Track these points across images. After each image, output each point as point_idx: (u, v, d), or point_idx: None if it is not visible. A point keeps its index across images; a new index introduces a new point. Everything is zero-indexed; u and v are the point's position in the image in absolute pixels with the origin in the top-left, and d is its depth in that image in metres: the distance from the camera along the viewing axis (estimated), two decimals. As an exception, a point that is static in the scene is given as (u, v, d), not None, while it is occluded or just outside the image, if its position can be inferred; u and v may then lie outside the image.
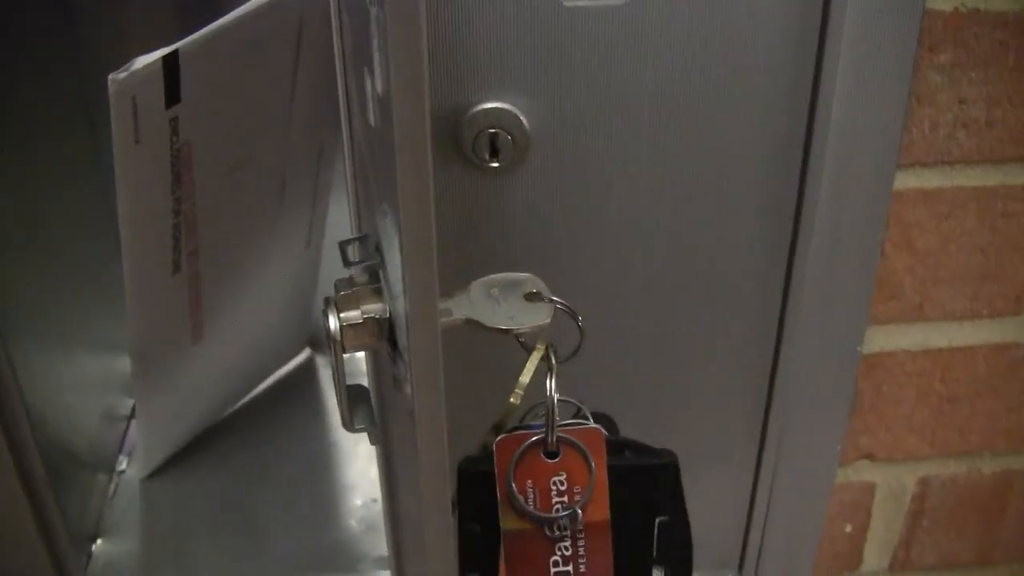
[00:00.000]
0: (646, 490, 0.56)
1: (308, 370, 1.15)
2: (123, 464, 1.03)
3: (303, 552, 0.91)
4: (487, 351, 0.69)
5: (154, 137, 0.72)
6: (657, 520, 0.57)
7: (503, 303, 0.52)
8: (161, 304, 0.84)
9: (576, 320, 0.54)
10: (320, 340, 1.13)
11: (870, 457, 0.90)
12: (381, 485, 0.78)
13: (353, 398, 0.55)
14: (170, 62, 0.69)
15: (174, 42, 0.70)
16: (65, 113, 1.00)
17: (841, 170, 0.69)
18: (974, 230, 0.81)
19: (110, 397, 1.07)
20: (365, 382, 0.70)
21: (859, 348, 0.76)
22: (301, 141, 0.85)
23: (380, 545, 0.88)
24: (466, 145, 0.64)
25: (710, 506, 0.82)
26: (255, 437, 1.06)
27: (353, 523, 0.94)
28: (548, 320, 0.52)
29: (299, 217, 0.97)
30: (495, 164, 0.65)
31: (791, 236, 0.73)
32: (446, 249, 0.66)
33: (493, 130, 0.64)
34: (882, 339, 0.84)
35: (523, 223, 0.68)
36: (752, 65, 0.65)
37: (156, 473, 1.01)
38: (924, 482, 0.92)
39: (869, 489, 0.92)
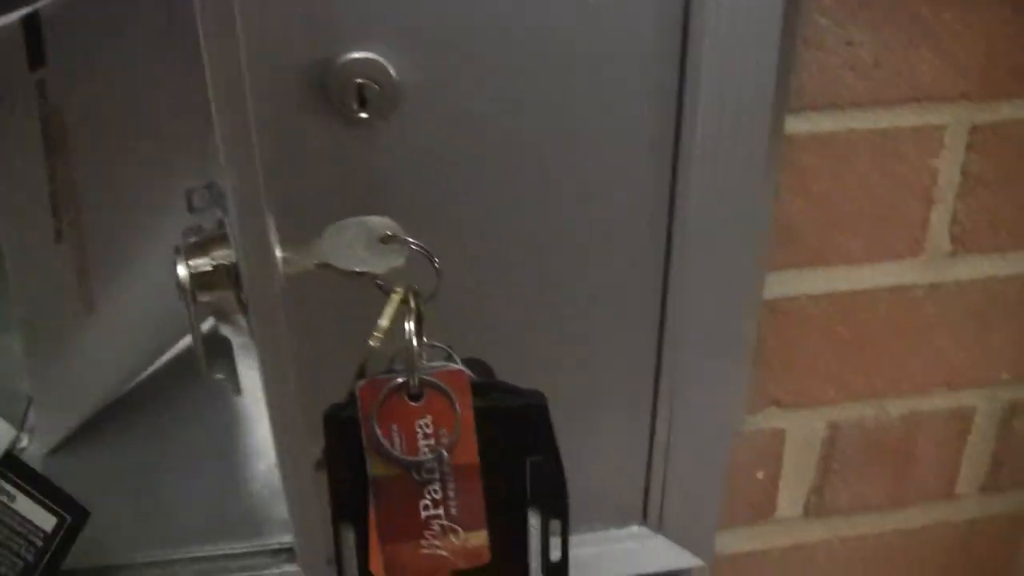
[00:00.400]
0: (514, 431, 0.56)
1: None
2: (24, 441, 1.01)
3: (210, 520, 0.90)
4: (360, 301, 0.69)
5: (20, 101, 0.71)
6: (528, 461, 0.56)
7: (358, 247, 0.52)
8: (46, 274, 0.82)
9: (432, 261, 0.53)
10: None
11: (778, 404, 0.90)
12: (275, 448, 0.77)
13: (213, 348, 0.54)
14: (31, 23, 0.68)
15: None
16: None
17: (717, 112, 0.69)
18: (869, 173, 0.81)
19: (8, 376, 1.05)
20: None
21: (751, 293, 0.76)
22: (186, 104, 0.84)
23: (283, 509, 0.87)
24: (334, 96, 0.64)
25: (609, 459, 0.82)
26: (158, 408, 1.04)
27: (258, 488, 0.94)
28: (402, 261, 0.52)
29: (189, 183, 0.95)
30: (364, 115, 0.64)
31: (670, 179, 0.72)
32: (317, 203, 0.66)
33: (361, 80, 0.63)
34: (783, 285, 0.84)
35: (395, 175, 0.67)
36: (623, 11, 0.65)
37: (59, 448, 1.00)
38: (833, 426, 0.93)
39: (779, 436, 0.92)
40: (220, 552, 0.85)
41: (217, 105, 0.39)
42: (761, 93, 0.69)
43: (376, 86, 0.63)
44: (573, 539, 0.59)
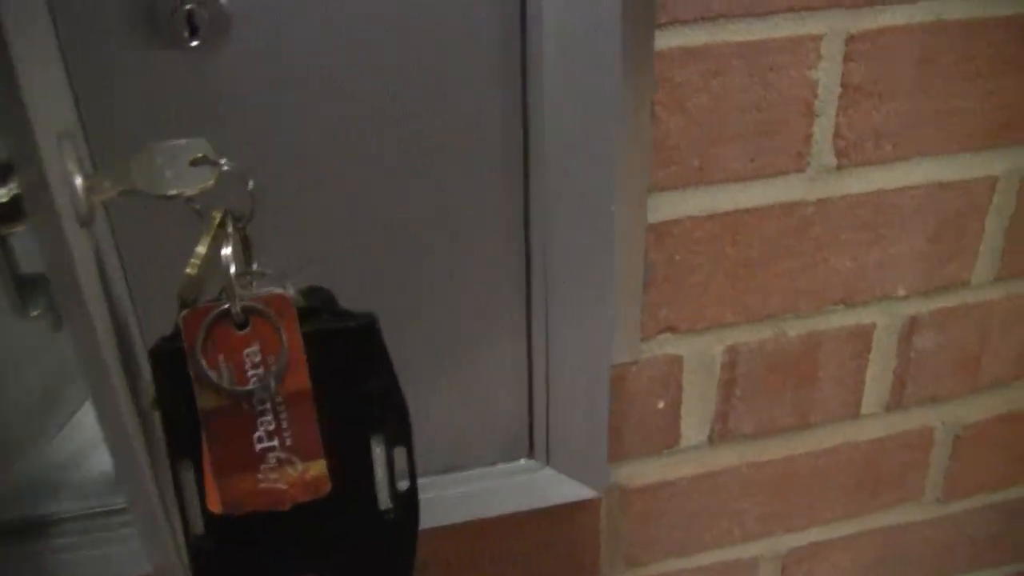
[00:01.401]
0: (346, 355, 0.54)
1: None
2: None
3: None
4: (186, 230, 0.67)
5: None
6: (363, 385, 0.55)
7: (167, 171, 0.50)
8: None
9: (246, 183, 0.51)
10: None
11: (672, 329, 0.89)
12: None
13: (29, 284, 0.52)
14: None
15: None
16: None
17: (575, 29, 0.67)
18: (746, 86, 0.80)
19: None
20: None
21: (612, 209, 0.74)
22: None
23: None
24: (162, 23, 0.61)
25: (489, 392, 0.81)
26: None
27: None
28: (211, 182, 0.49)
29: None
30: (195, 43, 0.62)
31: (521, 94, 0.70)
32: (149, 131, 0.64)
33: (189, 6, 0.61)
34: (666, 207, 0.83)
35: (228, 101, 0.65)
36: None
37: None
38: (732, 350, 0.91)
39: (677, 362, 0.91)
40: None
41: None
42: (638, 10, 0.67)
43: (205, 12, 0.61)
44: (462, 475, 0.58)
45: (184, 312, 0.52)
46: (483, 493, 0.80)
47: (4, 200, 0.48)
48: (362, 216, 0.71)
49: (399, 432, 0.56)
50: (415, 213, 0.71)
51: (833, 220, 0.87)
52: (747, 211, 0.85)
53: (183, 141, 0.51)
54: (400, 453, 0.56)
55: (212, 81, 0.63)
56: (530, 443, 0.83)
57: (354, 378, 0.54)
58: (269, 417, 0.53)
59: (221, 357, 0.52)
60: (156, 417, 0.54)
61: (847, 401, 0.97)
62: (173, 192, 0.49)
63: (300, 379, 0.53)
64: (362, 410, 0.55)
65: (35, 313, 0.52)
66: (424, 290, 0.75)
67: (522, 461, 0.84)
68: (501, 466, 0.83)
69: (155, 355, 0.53)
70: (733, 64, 0.78)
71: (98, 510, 0.78)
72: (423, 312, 0.74)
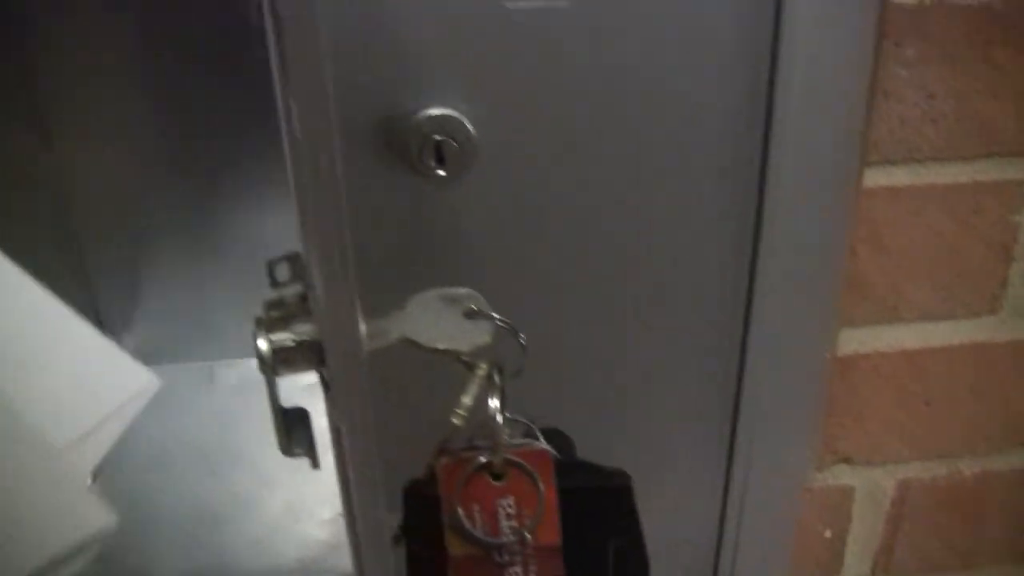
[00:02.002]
0: (599, 513, 0.54)
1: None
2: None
3: (270, 568, 0.89)
4: (437, 368, 0.68)
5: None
6: (611, 543, 0.54)
7: (442, 321, 0.50)
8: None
9: (518, 338, 0.51)
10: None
11: (847, 460, 0.88)
12: (342, 501, 0.76)
13: (291, 422, 0.53)
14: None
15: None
16: (19, 125, 0.98)
17: (801, 169, 0.67)
18: (946, 228, 0.79)
19: (74, 411, 1.05)
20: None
21: (827, 350, 0.74)
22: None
23: (346, 559, 0.86)
24: (412, 153, 0.62)
25: (680, 519, 0.80)
26: (219, 448, 1.04)
27: (321, 537, 0.93)
28: (487, 340, 0.50)
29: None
30: (442, 172, 0.63)
31: (753, 238, 0.71)
32: (395, 258, 0.65)
33: (439, 137, 0.62)
34: (856, 341, 0.82)
35: (471, 231, 0.66)
36: (703, 65, 0.63)
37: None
38: (904, 485, 0.90)
39: (848, 493, 0.90)
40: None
41: (301, 173, 0.37)
42: (846, 148, 0.67)
43: (454, 143, 0.62)
44: None
45: (444, 459, 0.52)
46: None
47: (288, 345, 0.48)
48: (590, 353, 0.72)
49: (638, 588, 0.56)
50: (641, 346, 0.72)
51: (1021, 362, 0.85)
52: (936, 350, 0.84)
53: (457, 291, 0.52)
54: (635, 608, 0.56)
55: (457, 209, 0.64)
56: (715, 571, 0.83)
57: (602, 534, 0.54)
58: (518, 568, 0.53)
59: (476, 506, 0.52)
60: (397, 554, 0.54)
61: (1016, 543, 0.96)
62: (447, 347, 0.49)
63: (551, 534, 0.53)
64: (605, 566, 0.55)
65: (299, 451, 0.52)
66: (636, 415, 0.76)
67: (705, 590, 0.84)
68: (684, 595, 0.83)
69: (409, 496, 0.53)
70: (935, 205, 0.78)
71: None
72: (631, 435, 0.75)
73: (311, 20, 0.33)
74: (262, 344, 0.48)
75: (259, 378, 1.13)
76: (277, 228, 1.09)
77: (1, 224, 0.90)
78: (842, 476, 0.89)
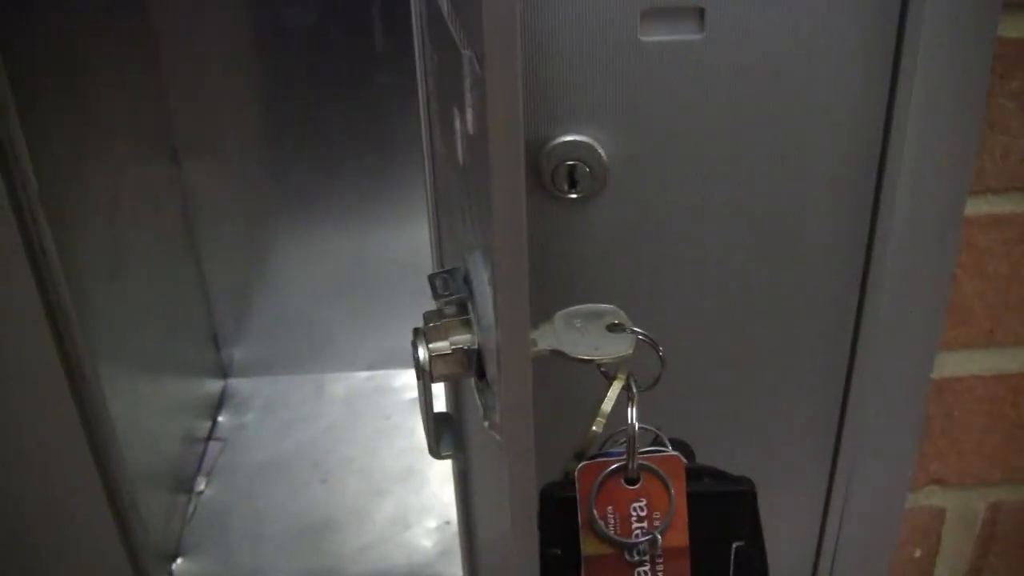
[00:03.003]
0: (724, 516, 0.57)
1: (379, 392, 1.17)
2: (201, 485, 1.06)
3: (378, 573, 0.93)
4: (567, 379, 0.71)
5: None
6: (734, 546, 0.57)
7: (586, 334, 0.54)
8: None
9: (657, 350, 0.55)
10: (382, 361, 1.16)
11: (940, 482, 0.90)
12: (457, 509, 0.79)
13: (439, 425, 0.56)
14: None
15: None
16: (148, 143, 1.03)
17: (914, 197, 0.70)
18: (1045, 256, 0.81)
19: (190, 419, 1.10)
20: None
21: (931, 376, 0.76)
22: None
23: (454, 567, 0.90)
24: (545, 177, 0.66)
25: (781, 531, 0.83)
26: (329, 458, 1.08)
27: (428, 544, 0.96)
28: (631, 351, 0.53)
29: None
30: (573, 196, 0.66)
31: (864, 263, 0.73)
32: (532, 278, 0.68)
33: (571, 162, 0.66)
34: (953, 364, 0.84)
35: (602, 253, 0.69)
36: (825, 96, 0.66)
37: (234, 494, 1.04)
38: (995, 507, 0.92)
39: (939, 514, 0.91)
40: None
41: (498, 204, 0.41)
42: (960, 179, 0.70)
43: (586, 167, 0.66)
44: None
45: (582, 464, 0.55)
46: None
47: (445, 352, 0.52)
48: (709, 368, 0.75)
49: (758, 590, 0.58)
50: (756, 365, 0.75)
51: (1117, 390, 0.87)
52: (1033, 375, 0.85)
53: (602, 307, 0.55)
54: (755, 610, 0.59)
55: (590, 229, 0.68)
56: (812, 583, 0.85)
57: (726, 537, 0.57)
58: (646, 568, 0.56)
59: (610, 508, 0.56)
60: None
61: (1106, 568, 0.96)
62: (592, 357, 0.53)
63: (680, 536, 0.56)
64: (726, 567, 0.58)
65: (447, 454, 0.56)
66: (746, 426, 0.79)
67: (799, 608, 0.86)
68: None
69: (546, 498, 0.57)
70: (1036, 233, 0.80)
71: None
72: (739, 448, 0.78)
73: (513, 55, 0.37)
74: (422, 353, 0.52)
75: (366, 391, 1.19)
76: (386, 248, 1.13)
77: (131, 242, 0.95)
78: (934, 497, 0.91)
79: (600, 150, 0.66)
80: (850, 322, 0.76)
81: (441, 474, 1.02)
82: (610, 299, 0.57)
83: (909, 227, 0.72)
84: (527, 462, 0.47)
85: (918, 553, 0.93)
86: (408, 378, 1.07)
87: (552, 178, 0.66)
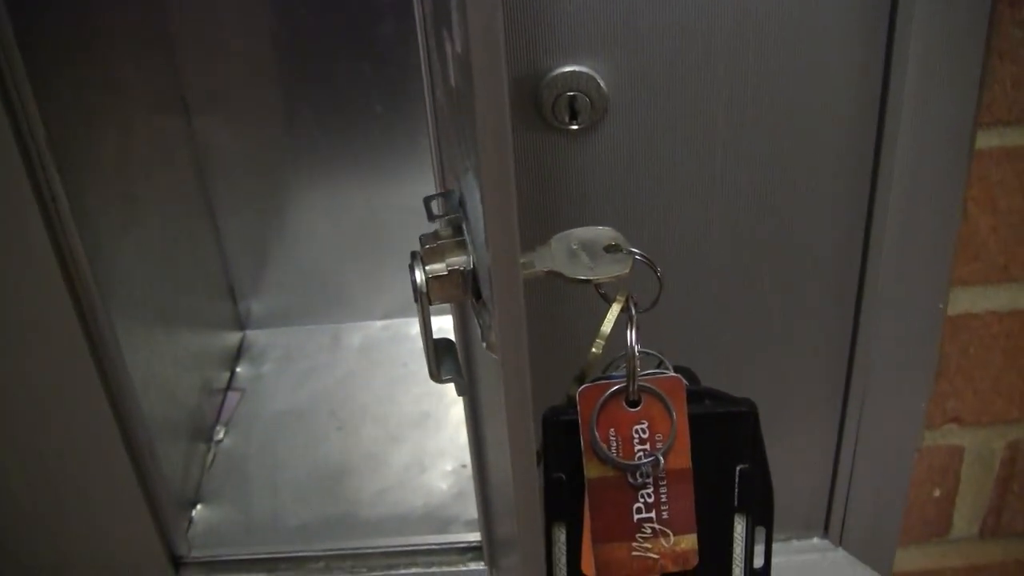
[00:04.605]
0: (726, 438, 0.57)
1: (395, 341, 1.18)
2: (220, 434, 1.07)
3: (395, 516, 0.94)
4: (570, 305, 0.71)
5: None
6: (737, 468, 0.58)
7: (583, 255, 0.54)
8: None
9: (655, 270, 0.55)
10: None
11: (957, 421, 0.89)
12: (470, 448, 0.80)
13: (440, 351, 0.57)
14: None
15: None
16: (159, 97, 1.04)
17: (917, 129, 0.69)
18: (1059, 188, 0.80)
19: (208, 370, 1.11)
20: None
21: (941, 307, 0.76)
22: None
23: (470, 509, 0.90)
24: (546, 108, 0.66)
25: (795, 469, 0.83)
26: (345, 406, 1.09)
27: (444, 487, 0.97)
28: (627, 271, 0.53)
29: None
30: (575, 126, 0.66)
31: (869, 193, 0.73)
32: (528, 207, 0.69)
33: (572, 93, 0.66)
34: (967, 301, 0.83)
35: (603, 182, 0.69)
36: (827, 18, 0.66)
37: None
38: (1014, 446, 0.91)
39: (957, 453, 0.91)
40: (408, 546, 0.88)
41: (482, 119, 0.41)
42: (963, 108, 0.69)
43: (587, 98, 0.65)
44: (758, 548, 0.60)
45: (582, 387, 0.56)
46: (775, 568, 0.82)
47: (441, 274, 0.52)
48: (714, 301, 0.75)
49: (762, 513, 0.59)
50: (761, 296, 0.75)
51: None
52: (1048, 310, 0.84)
53: (597, 228, 0.55)
54: (760, 532, 0.59)
55: (590, 159, 0.68)
56: (826, 522, 0.85)
57: (729, 459, 0.57)
58: (650, 490, 0.56)
59: (612, 431, 0.56)
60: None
61: None
62: (588, 277, 0.53)
63: (682, 458, 0.56)
64: (732, 489, 0.58)
65: (447, 378, 0.56)
66: (754, 354, 0.79)
67: (815, 539, 0.86)
68: (794, 542, 0.85)
69: (548, 422, 0.57)
70: (1049, 165, 0.79)
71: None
72: (750, 383, 0.77)
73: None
74: (418, 275, 0.52)
75: (381, 340, 1.19)
76: (400, 197, 1.13)
77: (143, 194, 0.96)
78: (951, 436, 0.90)
79: (600, 80, 0.65)
80: (857, 253, 0.75)
81: (457, 418, 1.03)
82: (612, 226, 0.57)
83: (915, 159, 0.71)
84: (522, 378, 0.47)
85: (937, 492, 0.93)
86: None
87: (553, 110, 0.66)
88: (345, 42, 1.05)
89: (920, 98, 0.69)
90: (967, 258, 0.81)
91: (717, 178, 0.70)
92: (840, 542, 0.85)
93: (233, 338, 1.23)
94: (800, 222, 0.73)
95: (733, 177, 0.70)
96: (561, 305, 0.71)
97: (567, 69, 0.65)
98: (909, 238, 0.74)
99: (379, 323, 1.23)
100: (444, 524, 0.91)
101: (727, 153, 0.69)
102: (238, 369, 1.18)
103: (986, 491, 0.93)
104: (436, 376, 0.56)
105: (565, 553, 0.59)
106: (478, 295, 0.52)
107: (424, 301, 0.53)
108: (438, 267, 0.53)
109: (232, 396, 1.13)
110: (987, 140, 0.77)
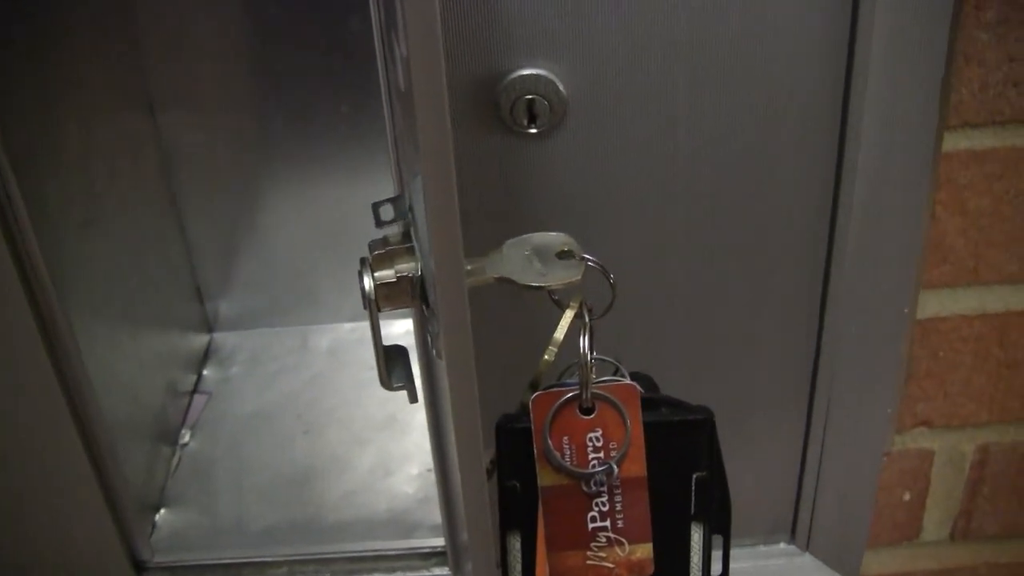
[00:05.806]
0: (682, 446, 0.56)
1: (363, 343, 1.17)
2: (186, 437, 1.06)
3: (360, 520, 0.93)
4: (527, 311, 0.70)
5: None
6: (694, 476, 0.57)
7: (536, 261, 0.53)
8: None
9: (608, 277, 0.54)
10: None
11: (927, 424, 0.89)
12: (432, 453, 0.79)
13: (391, 358, 0.56)
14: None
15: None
16: (123, 94, 1.03)
17: (881, 131, 0.69)
18: (1027, 191, 0.80)
19: (174, 372, 1.10)
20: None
21: (907, 311, 0.75)
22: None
23: (434, 513, 0.90)
24: (504, 111, 0.65)
25: (761, 473, 0.82)
26: (312, 409, 1.08)
27: (409, 491, 0.96)
28: (579, 277, 0.52)
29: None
30: (533, 130, 0.66)
31: (832, 196, 0.72)
32: (487, 213, 0.68)
33: (531, 96, 0.65)
34: (937, 304, 0.83)
35: (562, 186, 0.69)
36: (786, 25, 0.65)
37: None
38: (983, 449, 0.91)
39: (927, 456, 0.91)
40: (372, 551, 0.88)
41: (422, 122, 0.40)
42: (926, 111, 0.68)
43: (546, 102, 0.65)
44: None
45: (535, 394, 0.55)
46: (741, 574, 0.82)
47: (390, 281, 0.51)
48: (675, 305, 0.74)
49: (719, 520, 0.58)
50: (724, 301, 0.74)
51: (1105, 327, 0.86)
52: (1017, 313, 0.84)
53: (550, 234, 0.54)
54: (716, 541, 0.58)
55: (549, 163, 0.67)
56: (793, 527, 0.85)
57: (685, 467, 0.56)
58: (604, 499, 0.56)
59: (565, 438, 0.55)
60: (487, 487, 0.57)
61: (1098, 509, 0.95)
62: (540, 284, 0.52)
63: (637, 466, 0.55)
64: (688, 497, 0.57)
65: (398, 386, 0.55)
66: (717, 359, 0.78)
67: (782, 544, 0.85)
68: (761, 548, 0.85)
69: (501, 430, 0.56)
70: (1018, 168, 0.78)
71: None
72: (713, 389, 0.77)
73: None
74: (367, 282, 0.51)
75: (349, 342, 1.18)
76: (368, 197, 1.12)
77: (106, 192, 0.95)
78: (922, 440, 0.90)
79: (559, 83, 0.65)
80: (821, 256, 0.75)
81: (423, 422, 1.02)
82: (573, 232, 0.57)
83: (881, 161, 0.71)
84: (469, 381, 0.47)
85: (908, 496, 0.93)
86: (391, 329, 1.07)
87: (511, 113, 0.65)
88: (313, 40, 1.04)
89: (884, 101, 0.68)
90: (936, 261, 0.81)
91: (677, 182, 0.70)
92: (807, 547, 0.85)
93: (200, 340, 1.22)
94: (763, 226, 0.72)
95: (693, 181, 0.70)
96: (517, 312, 0.70)
97: (526, 72, 0.65)
98: (874, 241, 0.74)
99: (348, 325, 1.22)
100: (409, 529, 0.91)
101: (687, 157, 0.69)
102: (205, 372, 1.18)
103: (956, 494, 0.93)
104: (387, 383, 0.56)
105: (520, 561, 0.58)
106: (427, 302, 0.51)
107: (372, 308, 0.52)
108: (387, 274, 0.52)
109: (199, 399, 1.12)
110: (955, 142, 0.77)
